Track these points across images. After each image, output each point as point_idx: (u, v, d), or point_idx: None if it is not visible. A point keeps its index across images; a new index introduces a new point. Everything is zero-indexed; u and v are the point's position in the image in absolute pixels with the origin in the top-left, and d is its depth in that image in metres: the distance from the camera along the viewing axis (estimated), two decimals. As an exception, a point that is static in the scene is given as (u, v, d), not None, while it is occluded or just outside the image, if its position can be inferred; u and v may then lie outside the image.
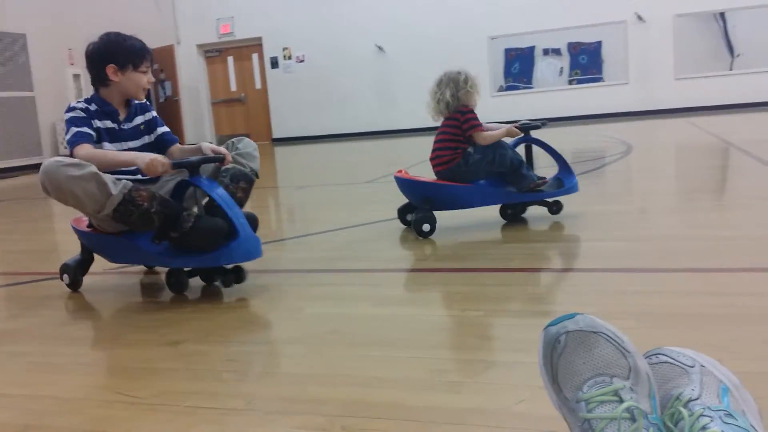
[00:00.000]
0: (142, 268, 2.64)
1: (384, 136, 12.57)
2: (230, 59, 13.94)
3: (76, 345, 1.82)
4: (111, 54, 2.26)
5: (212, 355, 1.63)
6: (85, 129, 2.19)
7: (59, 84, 11.06)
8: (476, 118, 2.93)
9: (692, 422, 0.79)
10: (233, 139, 2.44)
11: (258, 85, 13.84)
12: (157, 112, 2.58)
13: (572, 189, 3.04)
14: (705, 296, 1.80)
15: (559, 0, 11.86)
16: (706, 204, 3.31)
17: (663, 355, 0.94)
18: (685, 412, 0.81)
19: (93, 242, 2.36)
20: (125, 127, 2.32)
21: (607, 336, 0.88)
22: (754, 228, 2.62)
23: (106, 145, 2.26)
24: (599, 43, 12.06)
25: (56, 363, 1.66)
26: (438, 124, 3.06)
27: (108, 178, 2.05)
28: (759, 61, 11.28)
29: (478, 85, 3.01)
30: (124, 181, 2.12)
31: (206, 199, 2.28)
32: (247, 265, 2.23)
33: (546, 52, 12.36)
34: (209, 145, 2.32)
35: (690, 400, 0.83)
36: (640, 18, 11.74)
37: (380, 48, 12.87)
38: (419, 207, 2.91)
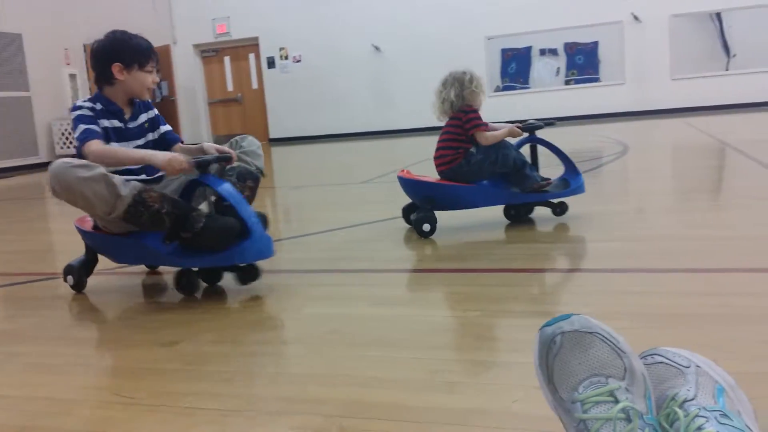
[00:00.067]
0: (142, 268, 2.63)
1: (380, 136, 12.57)
2: (227, 59, 13.92)
3: (74, 345, 1.81)
4: (117, 52, 2.24)
5: (211, 355, 1.63)
6: (94, 126, 2.17)
7: (55, 84, 11.04)
8: (479, 118, 2.92)
9: (688, 423, 0.79)
10: (237, 137, 2.43)
11: (255, 85, 13.83)
12: (155, 113, 2.57)
13: (578, 190, 2.99)
14: (702, 296, 1.80)
15: (555, 0, 11.87)
16: (703, 204, 3.31)
17: (658, 355, 0.94)
18: (680, 412, 0.81)
19: (98, 243, 2.34)
20: (131, 125, 2.30)
21: (603, 336, 0.88)
22: (750, 228, 2.63)
23: (114, 144, 2.24)
24: (596, 44, 12.07)
25: (53, 364, 1.66)
26: (442, 124, 3.05)
27: (117, 179, 2.04)
28: (755, 62, 11.31)
29: (483, 85, 3.01)
30: (133, 182, 2.11)
31: (213, 198, 2.27)
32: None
33: (543, 52, 12.38)
34: (212, 145, 2.31)
35: (685, 401, 0.83)
36: (636, 18, 11.76)
37: (377, 48, 12.87)
38: (421, 207, 2.90)
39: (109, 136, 2.22)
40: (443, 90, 2.97)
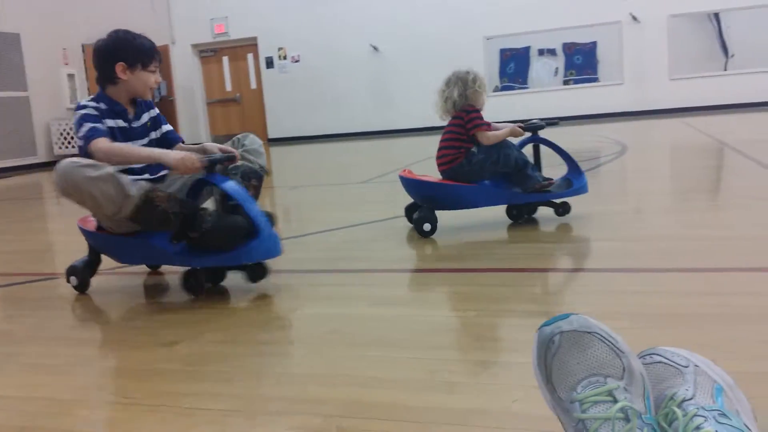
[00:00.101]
0: (143, 268, 2.62)
1: (379, 136, 12.57)
2: (225, 59, 13.92)
3: (73, 346, 1.81)
4: (121, 51, 2.23)
5: (210, 355, 1.63)
6: (100, 125, 2.15)
7: (54, 84, 11.04)
8: (480, 118, 2.91)
9: (686, 422, 0.79)
10: (238, 136, 2.42)
11: (253, 85, 13.82)
12: (153, 113, 2.56)
13: (581, 190, 2.97)
14: (700, 296, 1.81)
15: (554, 0, 11.88)
16: (702, 204, 3.32)
17: (657, 355, 0.94)
18: (679, 412, 0.81)
19: (102, 243, 2.32)
20: (135, 125, 2.29)
21: (601, 336, 0.88)
22: (749, 228, 2.63)
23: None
24: (594, 44, 12.08)
25: (52, 364, 1.66)
26: (443, 123, 3.04)
27: (125, 179, 2.03)
28: (753, 62, 11.32)
29: (486, 85, 3.00)
30: (141, 182, 2.10)
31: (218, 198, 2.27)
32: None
33: (541, 52, 12.38)
34: (214, 145, 2.31)
35: (684, 400, 0.83)
36: (634, 18, 11.77)
37: (375, 48, 12.87)
38: (422, 206, 2.90)
39: (114, 135, 2.21)
40: (446, 89, 2.97)
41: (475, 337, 1.64)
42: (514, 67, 12.46)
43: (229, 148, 2.28)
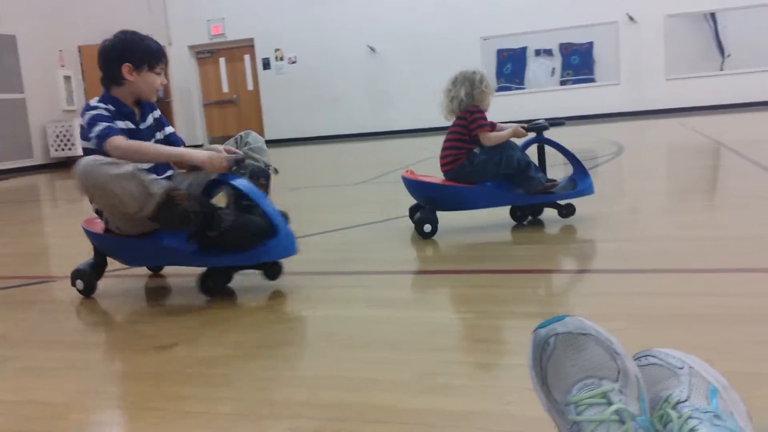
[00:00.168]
0: (144, 271, 2.60)
1: (376, 137, 12.57)
2: (222, 60, 13.91)
3: (68, 349, 1.80)
4: (128, 52, 2.21)
5: (204, 358, 1.62)
6: (113, 124, 2.13)
7: (50, 86, 11.02)
8: (484, 118, 2.90)
9: (681, 424, 0.79)
10: (240, 134, 2.41)
11: (250, 87, 13.82)
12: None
13: (586, 191, 2.94)
14: (696, 297, 1.81)
15: (550, 1, 11.90)
16: (697, 204, 3.32)
17: (652, 356, 0.94)
18: (673, 414, 0.81)
19: (109, 245, 2.29)
20: (142, 127, 2.27)
21: (596, 338, 0.88)
22: (745, 228, 2.63)
23: None
24: (591, 44, 12.10)
25: (46, 367, 1.65)
26: (448, 123, 3.02)
27: (147, 177, 2.02)
28: (749, 62, 11.35)
29: (492, 87, 2.99)
30: (162, 180, 2.09)
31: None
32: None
33: (538, 52, 12.40)
34: (217, 146, 2.30)
35: (679, 402, 0.83)
36: (631, 18, 11.79)
37: (372, 49, 12.87)
38: (424, 207, 2.90)
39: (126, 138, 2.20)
40: (453, 88, 2.95)
41: (474, 339, 1.64)
42: (511, 67, 12.48)
43: (233, 149, 2.27)
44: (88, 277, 2.30)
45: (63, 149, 10.80)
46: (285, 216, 2.24)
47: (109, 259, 2.36)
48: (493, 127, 2.92)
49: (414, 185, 2.96)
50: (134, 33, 2.27)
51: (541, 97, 12.21)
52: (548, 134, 3.04)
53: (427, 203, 2.91)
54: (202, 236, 2.14)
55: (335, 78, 13.05)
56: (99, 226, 2.31)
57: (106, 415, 1.34)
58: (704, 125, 8.38)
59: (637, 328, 1.58)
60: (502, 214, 3.06)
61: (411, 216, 3.07)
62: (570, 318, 0.91)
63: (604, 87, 12.08)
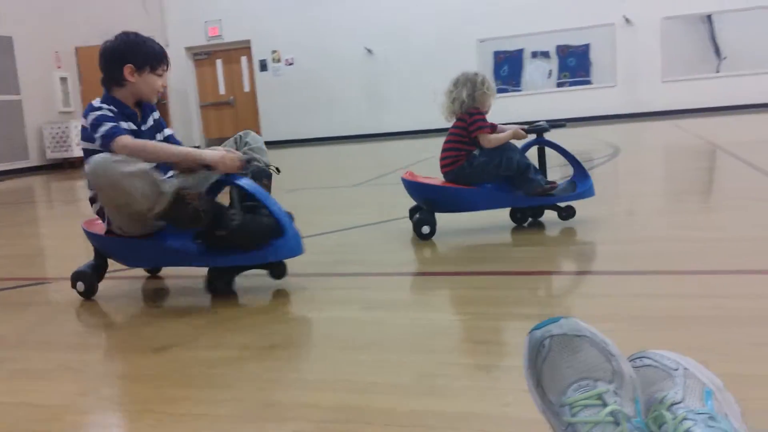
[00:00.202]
0: (140, 272, 2.60)
1: (373, 139, 12.58)
2: (219, 62, 13.90)
3: (61, 351, 1.80)
4: (130, 53, 2.20)
5: (200, 360, 1.62)
6: (119, 124, 2.13)
7: (46, 87, 11.01)
8: (484, 120, 2.89)
9: (675, 425, 0.79)
10: (240, 134, 2.41)
11: (247, 88, 13.81)
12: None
13: (586, 193, 2.93)
14: (693, 298, 1.81)
15: (547, 3, 11.92)
16: (694, 206, 3.33)
17: (647, 358, 0.94)
18: (668, 415, 0.81)
19: (110, 246, 2.27)
20: (143, 128, 2.26)
21: (592, 339, 0.88)
22: (742, 230, 2.64)
23: None
24: (587, 46, 12.12)
25: (40, 369, 1.65)
26: (448, 125, 3.01)
27: (159, 176, 2.02)
28: (745, 64, 11.38)
29: (494, 89, 2.98)
30: (172, 179, 2.09)
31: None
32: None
33: (535, 54, 12.42)
34: (217, 148, 2.29)
35: (673, 404, 0.83)
36: (627, 21, 11.82)
37: (369, 51, 12.88)
38: (424, 209, 2.89)
39: None
40: (454, 89, 2.94)
41: (473, 341, 1.64)
42: (508, 69, 12.49)
43: (232, 150, 2.27)
44: (89, 279, 2.28)
45: (59, 151, 10.78)
46: (290, 216, 2.24)
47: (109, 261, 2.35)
48: (493, 128, 2.92)
49: (414, 187, 2.96)
50: (136, 34, 2.27)
51: (538, 99, 12.22)
52: (548, 136, 3.04)
53: (427, 205, 2.90)
54: (209, 236, 2.14)
55: (332, 80, 13.05)
56: (100, 228, 2.30)
57: (103, 418, 1.34)
58: (700, 127, 8.39)
59: (634, 330, 1.58)
60: (502, 216, 3.06)
61: (411, 217, 3.07)
62: (565, 319, 0.91)
63: (600, 89, 12.10)
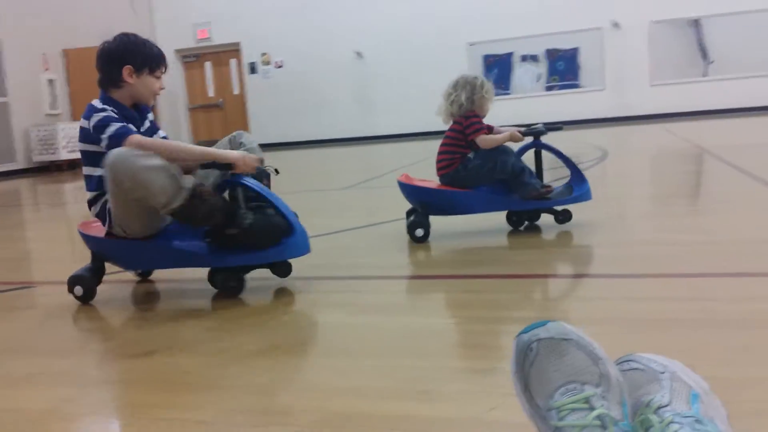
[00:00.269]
0: (130, 277, 2.57)
1: (362, 142, 12.58)
2: (208, 64, 13.87)
3: (45, 356, 1.78)
4: (129, 55, 2.19)
5: (183, 366, 1.61)
6: (126, 124, 2.11)
7: (34, 89, 10.93)
8: (480, 122, 2.89)
9: (662, 429, 0.79)
10: (233, 134, 2.41)
11: (236, 91, 13.78)
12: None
13: (583, 197, 2.92)
14: (681, 302, 1.81)
15: (536, 7, 11.97)
16: (682, 209, 3.34)
17: (634, 361, 0.94)
18: (654, 418, 0.81)
19: (110, 249, 2.24)
20: (142, 130, 2.25)
21: (578, 343, 0.88)
22: (729, 233, 2.65)
23: None
24: (576, 50, 12.19)
25: (23, 375, 1.62)
26: (445, 127, 3.00)
27: (178, 171, 2.03)
28: (732, 68, 11.47)
29: (493, 93, 2.97)
30: (188, 176, 2.09)
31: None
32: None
33: (524, 58, 12.47)
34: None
35: (660, 407, 0.83)
36: (616, 25, 11.90)
37: (359, 54, 12.89)
38: (420, 211, 2.89)
39: None
40: (453, 92, 2.93)
41: (465, 345, 1.64)
42: (497, 73, 12.54)
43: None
44: (87, 283, 2.23)
45: (46, 154, 10.70)
46: (296, 215, 2.25)
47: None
48: (489, 130, 2.92)
49: (409, 189, 2.96)
50: (136, 36, 2.27)
51: (527, 102, 12.26)
52: (543, 139, 3.03)
53: (423, 208, 2.90)
54: (219, 235, 2.14)
55: (322, 83, 13.05)
56: (98, 230, 2.27)
57: (83, 424, 1.32)
58: (688, 131, 8.45)
59: (620, 333, 1.58)
60: (498, 219, 3.05)
61: (407, 219, 3.06)
62: (552, 323, 0.91)
63: (589, 92, 12.16)
